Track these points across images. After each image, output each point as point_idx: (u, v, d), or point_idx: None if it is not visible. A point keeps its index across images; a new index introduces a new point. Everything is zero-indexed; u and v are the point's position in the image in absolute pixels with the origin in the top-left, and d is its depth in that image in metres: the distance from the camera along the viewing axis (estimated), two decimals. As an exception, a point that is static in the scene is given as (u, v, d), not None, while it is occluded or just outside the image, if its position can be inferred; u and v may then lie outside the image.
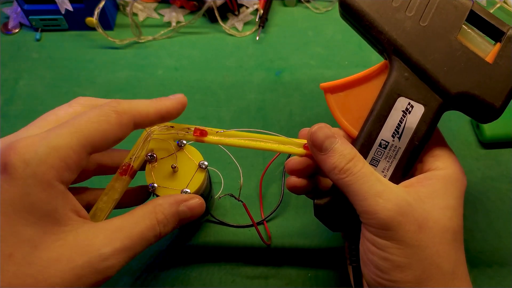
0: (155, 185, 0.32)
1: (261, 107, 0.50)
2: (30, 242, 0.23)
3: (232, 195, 0.36)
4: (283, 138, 0.32)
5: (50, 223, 0.23)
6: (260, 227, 0.42)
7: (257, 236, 0.41)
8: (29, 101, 0.51)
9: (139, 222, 0.27)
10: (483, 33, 0.31)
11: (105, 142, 0.26)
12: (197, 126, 0.33)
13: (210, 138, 0.33)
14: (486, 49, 0.30)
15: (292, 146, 0.32)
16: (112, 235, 0.25)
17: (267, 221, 0.42)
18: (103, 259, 0.24)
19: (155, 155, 0.32)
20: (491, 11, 0.56)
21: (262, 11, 0.57)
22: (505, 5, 0.57)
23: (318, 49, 0.55)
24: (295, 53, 0.55)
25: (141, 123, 0.28)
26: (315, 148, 0.30)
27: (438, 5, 0.29)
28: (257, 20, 0.57)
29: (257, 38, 0.56)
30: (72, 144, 0.24)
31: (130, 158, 0.31)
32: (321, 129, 0.29)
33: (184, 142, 0.33)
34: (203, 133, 0.33)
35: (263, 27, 0.56)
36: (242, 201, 0.37)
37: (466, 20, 0.29)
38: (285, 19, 0.58)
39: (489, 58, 0.29)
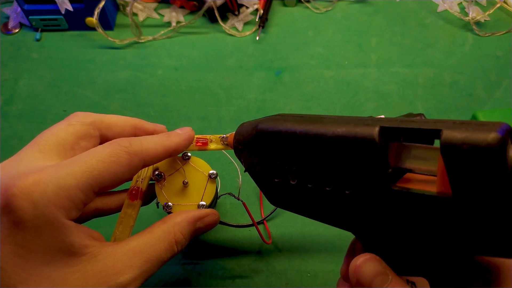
0: (170, 204, 0.32)
1: (261, 107, 0.50)
2: (49, 279, 0.23)
3: (231, 194, 0.36)
4: None
5: (66, 257, 0.23)
6: (260, 227, 0.42)
7: (257, 235, 0.40)
8: (29, 101, 0.51)
9: (157, 244, 0.26)
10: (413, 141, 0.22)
11: (114, 182, 0.25)
12: (198, 136, 0.33)
13: (214, 145, 0.33)
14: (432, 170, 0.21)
15: None
16: (131, 260, 0.25)
17: (267, 221, 0.42)
18: (122, 287, 0.24)
19: (162, 173, 0.32)
20: (491, 11, 0.56)
21: (262, 11, 0.57)
22: (505, 5, 0.57)
23: (318, 49, 0.55)
24: (295, 53, 0.55)
25: (150, 163, 0.28)
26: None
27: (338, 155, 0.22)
28: (257, 20, 0.57)
29: (257, 38, 0.56)
30: (81, 184, 0.24)
31: (137, 181, 0.31)
32: (369, 263, 0.23)
33: (189, 154, 0.33)
34: (205, 143, 0.33)
35: (263, 27, 0.56)
36: (242, 200, 0.37)
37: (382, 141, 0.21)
38: (285, 19, 0.58)
39: (440, 185, 0.20)
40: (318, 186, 0.24)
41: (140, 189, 0.31)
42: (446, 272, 0.22)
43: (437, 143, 0.20)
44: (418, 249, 0.22)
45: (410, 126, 0.20)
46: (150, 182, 0.33)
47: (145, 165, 0.27)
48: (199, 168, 0.33)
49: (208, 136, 0.33)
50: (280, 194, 0.27)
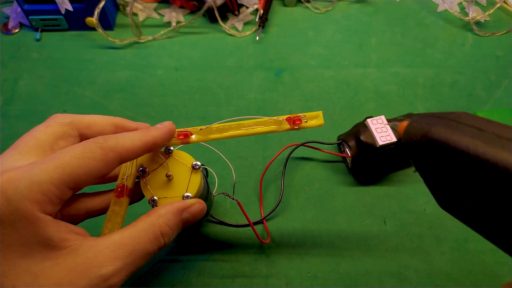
0: (155, 198, 0.32)
1: (261, 107, 0.50)
2: (29, 272, 0.23)
3: (226, 194, 0.36)
4: (265, 118, 0.32)
5: (46, 250, 0.24)
6: (260, 226, 0.42)
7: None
8: (29, 101, 0.51)
9: (141, 236, 0.26)
10: None
11: (89, 177, 0.26)
12: (179, 130, 0.33)
13: (196, 137, 0.33)
14: None
15: (276, 125, 0.32)
16: (113, 253, 0.25)
17: (267, 220, 0.42)
18: (104, 279, 0.24)
19: (146, 169, 0.32)
20: (491, 11, 0.56)
21: (262, 11, 0.57)
22: (505, 5, 0.57)
23: (318, 49, 0.55)
24: (295, 53, 0.55)
25: (127, 158, 0.28)
26: None
27: None
28: (257, 20, 0.57)
29: (257, 38, 0.56)
30: (54, 179, 0.24)
31: (122, 178, 0.31)
32: None
33: (171, 148, 0.33)
34: (187, 135, 0.33)
35: (263, 27, 0.56)
36: (236, 200, 0.36)
37: None
38: (285, 19, 0.58)
39: None
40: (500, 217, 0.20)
41: (125, 187, 0.31)
42: None
43: None
44: None
45: None
46: (138, 180, 0.33)
47: (122, 159, 0.27)
48: (182, 160, 0.33)
49: (189, 129, 0.33)
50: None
